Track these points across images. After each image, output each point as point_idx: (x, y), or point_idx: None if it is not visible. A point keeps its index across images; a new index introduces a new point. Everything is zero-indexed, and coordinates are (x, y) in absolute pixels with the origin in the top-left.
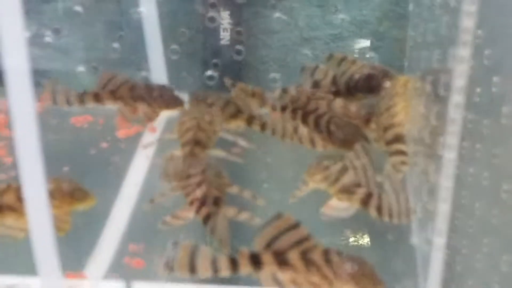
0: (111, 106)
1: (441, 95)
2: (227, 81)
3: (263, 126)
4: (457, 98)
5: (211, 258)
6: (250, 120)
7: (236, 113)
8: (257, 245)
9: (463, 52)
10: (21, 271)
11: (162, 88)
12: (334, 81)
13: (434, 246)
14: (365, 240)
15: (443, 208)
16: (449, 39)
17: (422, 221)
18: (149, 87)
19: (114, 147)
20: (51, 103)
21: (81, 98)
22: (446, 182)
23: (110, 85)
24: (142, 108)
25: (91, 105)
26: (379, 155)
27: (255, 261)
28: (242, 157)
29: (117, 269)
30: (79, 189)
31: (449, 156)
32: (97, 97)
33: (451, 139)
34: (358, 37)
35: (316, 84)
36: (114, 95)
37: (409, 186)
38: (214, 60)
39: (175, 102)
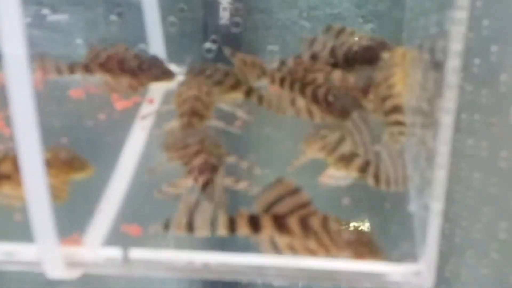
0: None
1: (438, 60)
2: (227, 51)
3: (260, 99)
4: (454, 62)
5: (210, 217)
6: (248, 92)
7: (235, 85)
8: (257, 208)
9: (460, 15)
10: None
11: (152, 60)
12: (333, 53)
13: (431, 211)
14: (363, 208)
15: (440, 173)
16: (446, 4)
17: (419, 189)
18: (139, 59)
19: (112, 118)
20: (43, 73)
21: (71, 68)
22: (442, 147)
23: (100, 57)
24: (125, 79)
25: (80, 75)
26: (377, 126)
27: (254, 223)
28: (241, 128)
29: (115, 236)
30: (76, 158)
31: (446, 120)
32: (86, 69)
33: (448, 104)
34: (357, 14)
35: (314, 56)
36: (103, 67)
37: (407, 155)
38: (213, 36)
39: (165, 75)
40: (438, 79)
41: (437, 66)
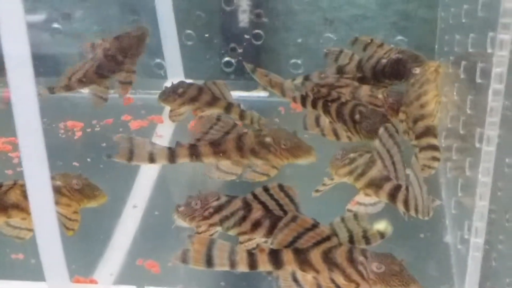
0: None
1: (478, 82)
2: (247, 66)
3: (241, 115)
4: (497, 87)
5: (228, 251)
6: (228, 107)
7: (212, 101)
8: (276, 246)
9: (505, 36)
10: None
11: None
12: (360, 66)
13: (471, 246)
14: (395, 238)
15: (481, 205)
16: (488, 22)
17: (456, 218)
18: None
19: None
20: None
21: (51, 90)
22: (484, 177)
23: (77, 73)
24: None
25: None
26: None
27: (275, 258)
28: None
29: (129, 272)
30: (88, 185)
31: (488, 149)
32: (68, 88)
33: (490, 131)
34: (383, 17)
35: (340, 70)
36: (84, 82)
37: (441, 180)
38: (232, 45)
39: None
40: (478, 102)
41: (476, 88)
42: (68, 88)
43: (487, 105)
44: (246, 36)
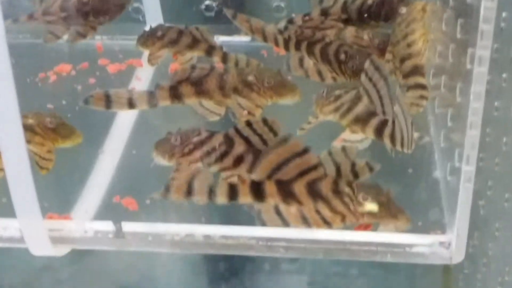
0: None
1: (469, 2)
2: (228, 12)
3: (224, 57)
4: (488, 3)
5: (209, 182)
6: (210, 50)
7: (192, 44)
8: (259, 171)
9: None
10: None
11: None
12: (345, 8)
13: (463, 175)
14: (383, 174)
15: (472, 134)
16: None
17: (445, 151)
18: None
19: (104, 82)
20: None
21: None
22: (475, 102)
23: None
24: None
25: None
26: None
27: (257, 190)
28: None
29: (106, 210)
30: (63, 124)
31: (480, 69)
32: (31, 17)
33: (482, 52)
34: None
35: (325, 12)
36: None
37: (429, 117)
38: None
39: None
40: (469, 24)
41: (467, 9)
42: (31, 17)
43: (479, 24)
44: None
